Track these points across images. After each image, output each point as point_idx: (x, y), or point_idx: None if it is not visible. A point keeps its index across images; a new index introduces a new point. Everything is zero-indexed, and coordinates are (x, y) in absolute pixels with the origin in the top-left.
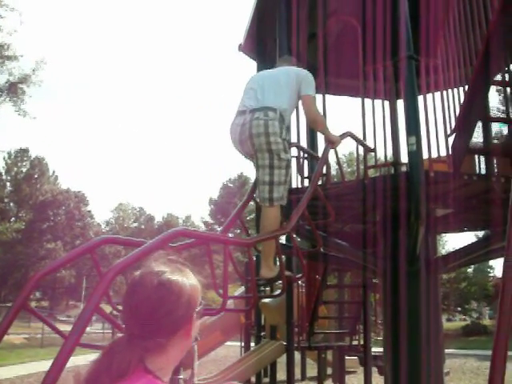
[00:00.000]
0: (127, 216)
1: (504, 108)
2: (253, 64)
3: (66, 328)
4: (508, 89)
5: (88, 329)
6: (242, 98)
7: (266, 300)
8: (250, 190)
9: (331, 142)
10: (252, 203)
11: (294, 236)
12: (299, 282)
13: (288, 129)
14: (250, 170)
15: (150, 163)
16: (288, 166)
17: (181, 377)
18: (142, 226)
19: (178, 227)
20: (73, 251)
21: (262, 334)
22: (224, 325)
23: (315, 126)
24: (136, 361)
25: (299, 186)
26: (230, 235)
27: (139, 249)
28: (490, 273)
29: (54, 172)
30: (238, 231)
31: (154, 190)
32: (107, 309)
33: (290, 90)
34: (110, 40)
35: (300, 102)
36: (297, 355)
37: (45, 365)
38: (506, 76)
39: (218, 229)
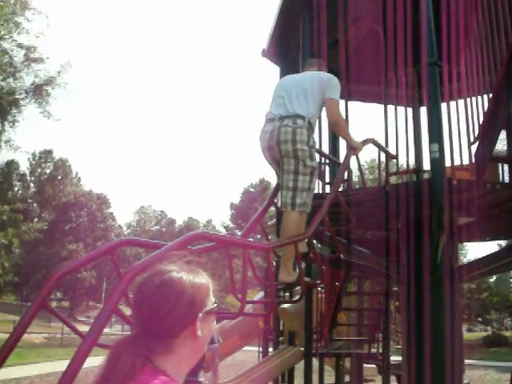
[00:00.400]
0: (149, 219)
1: None
2: (276, 69)
3: (85, 328)
4: None
5: (107, 330)
6: (271, 105)
7: (285, 305)
8: (270, 195)
9: (353, 148)
10: (272, 208)
11: (315, 242)
12: (319, 288)
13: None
14: (271, 176)
15: (172, 167)
16: (313, 174)
17: (201, 379)
18: (163, 229)
19: (197, 230)
20: (93, 252)
21: (281, 339)
22: (242, 329)
23: (337, 130)
24: (141, 361)
25: (320, 191)
26: (250, 240)
27: (158, 250)
28: None
29: (77, 174)
30: (259, 236)
31: (176, 193)
32: (127, 311)
33: (316, 96)
34: (135, 44)
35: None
36: (315, 362)
37: (64, 364)
38: None
39: (239, 233)
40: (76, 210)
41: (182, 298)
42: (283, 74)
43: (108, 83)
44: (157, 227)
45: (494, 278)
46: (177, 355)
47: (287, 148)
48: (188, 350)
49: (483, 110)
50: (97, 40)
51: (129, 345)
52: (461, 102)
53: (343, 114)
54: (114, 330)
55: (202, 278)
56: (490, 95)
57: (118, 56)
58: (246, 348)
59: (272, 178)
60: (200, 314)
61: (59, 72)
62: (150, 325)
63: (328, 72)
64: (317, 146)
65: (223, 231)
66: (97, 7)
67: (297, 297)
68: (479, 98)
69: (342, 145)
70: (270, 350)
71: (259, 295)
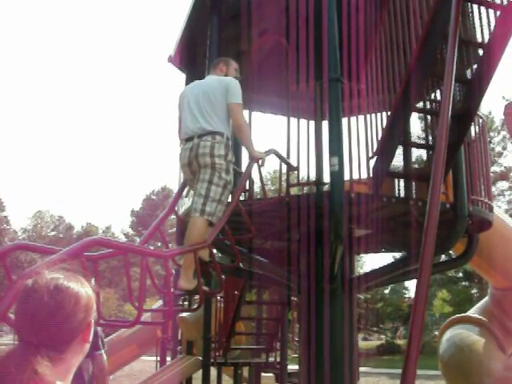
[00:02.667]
0: (45, 224)
1: (424, 135)
2: (181, 76)
3: None
4: (428, 116)
5: None
6: (184, 120)
7: (184, 314)
8: (171, 203)
9: (254, 158)
10: (173, 217)
11: (214, 251)
12: (218, 297)
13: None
14: (173, 183)
15: (71, 170)
16: (226, 187)
17: None
18: (61, 235)
19: (95, 236)
20: None
21: (179, 348)
22: (140, 338)
23: (240, 135)
24: (32, 372)
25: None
26: (150, 247)
27: (53, 256)
28: (405, 294)
29: None
30: (159, 244)
31: (75, 198)
32: None
33: (222, 107)
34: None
35: None
36: (213, 371)
37: None
38: (427, 104)
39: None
40: None
41: (79, 303)
42: (189, 81)
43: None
44: (54, 233)
45: (389, 288)
46: (66, 364)
47: (205, 160)
48: (76, 357)
49: (382, 126)
50: None
51: (21, 355)
52: (361, 117)
53: None
54: (5, 340)
55: (89, 286)
56: (389, 112)
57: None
58: (143, 357)
59: (174, 186)
60: (92, 320)
61: None
62: (46, 332)
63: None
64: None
65: (123, 238)
66: None
67: (195, 306)
68: (378, 114)
69: (245, 154)
70: (168, 359)
71: (158, 304)
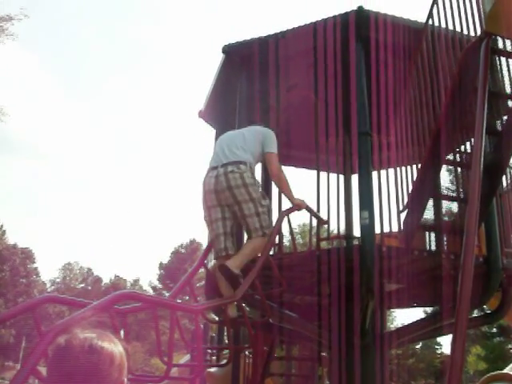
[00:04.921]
0: (74, 276)
1: (455, 187)
2: (212, 131)
3: None
4: (459, 168)
5: None
6: (213, 156)
7: (212, 369)
8: (201, 256)
9: (296, 205)
10: (202, 270)
11: (244, 305)
12: (246, 352)
13: None
14: (202, 237)
15: (100, 223)
16: (270, 211)
17: None
18: (89, 288)
19: (124, 290)
20: (13, 308)
21: None
22: None
23: (279, 183)
24: None
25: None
26: (179, 301)
27: (83, 309)
28: (437, 349)
29: (1, 226)
30: (187, 298)
31: (104, 250)
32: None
33: (254, 146)
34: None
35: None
36: None
37: None
38: (457, 156)
39: (167, 294)
40: None
41: (113, 364)
42: (218, 136)
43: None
44: (82, 285)
45: (421, 344)
46: None
47: (241, 192)
48: None
49: (412, 179)
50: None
51: None
52: (391, 170)
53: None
54: None
55: (120, 344)
56: (419, 165)
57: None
58: None
59: (203, 240)
60: (125, 380)
61: None
62: None
63: None
64: None
65: (150, 291)
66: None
67: (224, 361)
68: (408, 167)
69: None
70: None
71: (185, 359)
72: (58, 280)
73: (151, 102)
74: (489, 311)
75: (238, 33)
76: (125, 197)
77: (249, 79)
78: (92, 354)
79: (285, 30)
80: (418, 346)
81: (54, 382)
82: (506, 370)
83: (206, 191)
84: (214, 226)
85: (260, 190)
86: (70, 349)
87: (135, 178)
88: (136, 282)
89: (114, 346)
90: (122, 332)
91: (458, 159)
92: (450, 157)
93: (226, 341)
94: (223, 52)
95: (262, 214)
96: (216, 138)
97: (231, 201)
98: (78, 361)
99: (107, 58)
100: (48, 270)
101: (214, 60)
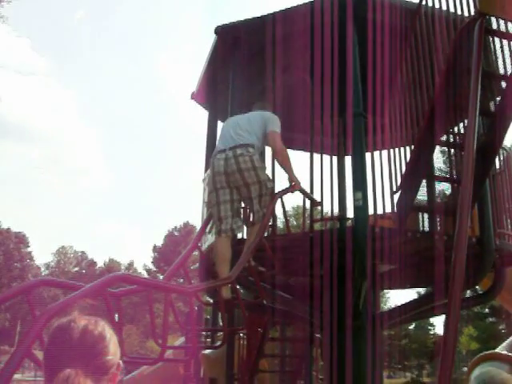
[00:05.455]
0: (68, 260)
1: (448, 169)
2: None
3: None
4: (452, 150)
5: (19, 376)
6: (220, 139)
7: (207, 351)
8: (195, 239)
9: (295, 184)
10: (196, 253)
11: (238, 287)
12: (241, 334)
13: None
14: (196, 220)
15: (94, 206)
16: (273, 193)
17: None
18: (83, 271)
19: (118, 272)
20: (7, 291)
21: None
22: (162, 376)
23: (282, 160)
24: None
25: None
26: (172, 283)
27: (77, 292)
28: (430, 330)
29: None
30: (181, 281)
31: (98, 234)
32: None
33: (259, 129)
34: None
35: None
36: None
37: None
38: (451, 137)
39: (161, 277)
40: None
41: (110, 345)
42: (212, 118)
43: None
44: (76, 269)
45: (414, 324)
46: None
47: (250, 174)
48: None
49: (405, 160)
50: None
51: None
52: (384, 152)
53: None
54: (26, 377)
55: (111, 329)
56: (413, 147)
57: None
58: None
59: (197, 222)
60: (120, 362)
61: None
62: (86, 365)
63: None
64: None
65: (145, 274)
66: None
67: (219, 343)
68: (402, 149)
69: None
70: None
71: (180, 341)
72: (52, 264)
73: (143, 84)
74: (481, 292)
75: (232, 13)
76: (118, 180)
77: (242, 60)
78: (85, 336)
79: (280, 9)
80: (411, 327)
81: (49, 364)
82: (497, 350)
83: (215, 173)
84: (222, 208)
85: (266, 172)
86: (64, 331)
87: (128, 160)
88: (130, 265)
89: (107, 330)
90: (116, 315)
91: (452, 140)
92: (444, 138)
93: (221, 323)
94: (215, 33)
95: (265, 195)
96: (209, 120)
97: (241, 183)
98: (72, 343)
99: (98, 40)
100: (42, 254)
101: (207, 41)
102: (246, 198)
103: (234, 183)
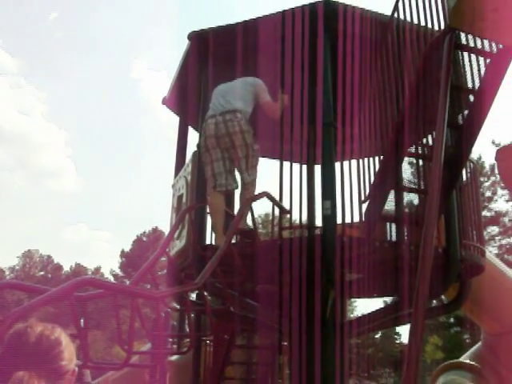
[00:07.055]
0: (34, 264)
1: (416, 180)
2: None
3: None
4: (420, 161)
5: None
6: (211, 106)
7: (173, 358)
8: (162, 244)
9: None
10: (163, 259)
11: (205, 293)
12: (208, 341)
13: None
14: (164, 225)
15: (60, 209)
16: (258, 155)
17: None
18: (49, 275)
19: (85, 276)
20: None
21: None
22: (128, 381)
23: (275, 118)
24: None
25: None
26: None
27: (42, 296)
28: (396, 339)
29: None
30: (148, 286)
31: (64, 238)
32: None
33: (247, 95)
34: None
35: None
36: None
37: None
38: (419, 149)
39: (128, 282)
40: None
41: (65, 350)
42: (183, 124)
43: None
44: (42, 273)
45: (380, 333)
46: None
47: (238, 137)
48: None
49: (374, 170)
50: None
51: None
52: (353, 162)
53: None
54: None
55: (67, 336)
56: (381, 157)
57: None
58: None
59: (165, 228)
60: (76, 368)
61: None
62: (40, 369)
63: None
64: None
65: (112, 279)
66: None
67: (185, 349)
68: (371, 159)
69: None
70: None
71: (146, 347)
72: (17, 268)
73: (115, 88)
74: (446, 302)
75: (205, 20)
76: (86, 184)
77: (214, 67)
78: (41, 342)
79: (252, 18)
80: (377, 336)
81: (3, 368)
82: (461, 359)
83: (207, 136)
84: (215, 165)
85: (252, 135)
86: (20, 336)
87: (97, 165)
88: (97, 270)
89: (63, 336)
90: (81, 320)
91: (420, 152)
92: (412, 149)
93: (187, 329)
94: (189, 39)
95: (252, 157)
96: (180, 125)
97: (229, 145)
98: (28, 348)
99: (72, 43)
100: (7, 258)
101: (180, 47)
102: (235, 159)
103: (223, 145)
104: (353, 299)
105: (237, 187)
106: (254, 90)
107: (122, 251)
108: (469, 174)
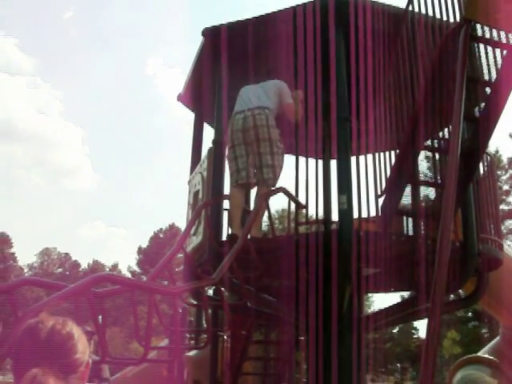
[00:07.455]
0: (52, 261)
1: (432, 173)
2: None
3: None
4: (436, 154)
5: (0, 377)
6: (238, 103)
7: (190, 353)
8: (179, 240)
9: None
10: (180, 255)
11: (222, 289)
12: (225, 336)
13: None
14: (181, 222)
15: (79, 207)
16: (283, 153)
17: None
18: (67, 273)
19: (102, 272)
20: None
21: None
22: (146, 377)
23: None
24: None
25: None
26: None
27: (60, 292)
28: (414, 334)
29: None
30: (165, 283)
31: (82, 235)
32: None
33: (273, 95)
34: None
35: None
36: None
37: None
38: (435, 142)
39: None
40: None
41: (78, 343)
42: (198, 120)
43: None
44: (60, 270)
45: (397, 328)
46: None
47: (263, 130)
48: None
49: (390, 165)
50: None
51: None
52: (369, 156)
53: None
54: (8, 378)
55: (80, 330)
56: (397, 151)
57: None
58: None
59: (182, 224)
60: (90, 360)
61: None
62: (54, 363)
63: None
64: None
65: (129, 276)
66: None
67: (202, 344)
68: (387, 153)
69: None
70: None
71: (164, 343)
72: (35, 265)
73: (131, 85)
74: (464, 296)
75: (218, 16)
76: (103, 181)
77: (228, 63)
78: (53, 336)
79: (264, 13)
80: (394, 331)
81: (17, 365)
82: (479, 354)
83: (233, 131)
84: (240, 161)
85: (278, 134)
86: (32, 332)
87: (114, 162)
88: (115, 266)
89: (75, 329)
90: (100, 316)
91: (436, 145)
92: (428, 143)
93: (205, 325)
94: (203, 35)
95: (276, 154)
96: (195, 122)
97: (253, 138)
98: (40, 343)
99: (87, 41)
100: (25, 255)
101: (194, 43)
102: (256, 152)
103: (248, 139)
104: (369, 294)
105: (258, 182)
106: (280, 92)
107: (139, 248)
108: (486, 168)
